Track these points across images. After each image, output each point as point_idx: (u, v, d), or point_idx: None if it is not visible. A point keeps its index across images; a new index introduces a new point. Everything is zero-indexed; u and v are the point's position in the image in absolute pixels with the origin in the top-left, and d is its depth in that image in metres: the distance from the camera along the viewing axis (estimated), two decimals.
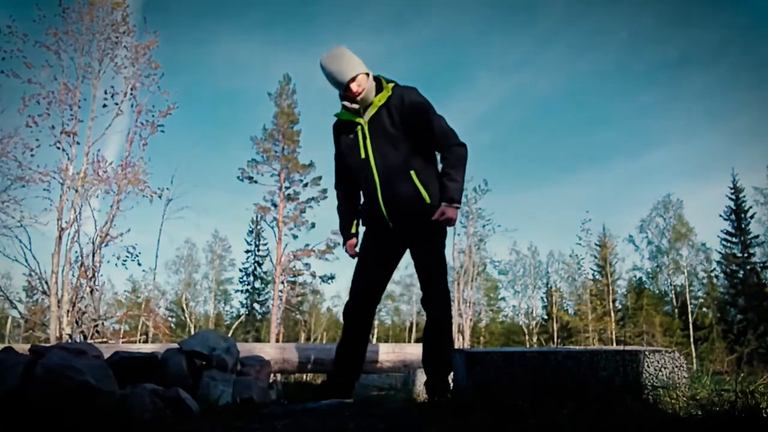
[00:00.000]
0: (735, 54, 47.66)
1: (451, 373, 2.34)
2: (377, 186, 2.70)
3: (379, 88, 2.74)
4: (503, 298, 43.13)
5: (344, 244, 2.98)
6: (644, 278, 37.39)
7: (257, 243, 36.77)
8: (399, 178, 2.66)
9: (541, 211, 57.64)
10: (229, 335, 3.46)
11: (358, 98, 2.68)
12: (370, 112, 2.72)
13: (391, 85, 2.74)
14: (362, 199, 2.92)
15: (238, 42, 51.54)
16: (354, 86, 2.66)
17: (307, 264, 26.35)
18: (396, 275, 42.12)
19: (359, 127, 2.74)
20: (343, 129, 2.83)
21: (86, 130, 10.26)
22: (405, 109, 2.67)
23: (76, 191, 9.86)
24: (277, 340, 26.28)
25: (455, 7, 50.96)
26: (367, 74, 2.70)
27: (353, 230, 2.97)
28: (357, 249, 2.92)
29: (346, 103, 2.74)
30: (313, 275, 26.47)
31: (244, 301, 36.86)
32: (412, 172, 2.66)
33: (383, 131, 2.68)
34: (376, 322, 39.96)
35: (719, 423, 1.37)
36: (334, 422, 1.68)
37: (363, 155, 2.72)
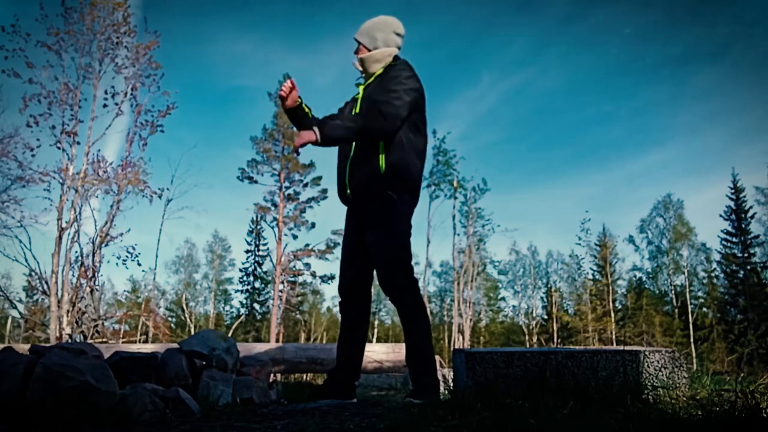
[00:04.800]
0: (738, 52, 47.63)
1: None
2: (351, 151, 2.73)
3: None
4: (503, 298, 43.22)
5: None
6: (644, 278, 37.43)
7: (257, 243, 36.77)
8: (370, 144, 2.66)
9: (541, 211, 57.70)
10: (229, 335, 3.45)
11: (358, 64, 2.84)
12: (369, 81, 2.84)
13: (392, 61, 2.82)
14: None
15: (238, 41, 51.64)
16: (356, 48, 2.85)
17: (307, 264, 26.38)
18: None
19: (359, 92, 2.86)
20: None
21: (86, 130, 10.28)
22: (385, 79, 2.71)
23: (76, 191, 9.86)
24: (277, 340, 26.28)
25: (456, 4, 50.95)
26: (372, 49, 2.81)
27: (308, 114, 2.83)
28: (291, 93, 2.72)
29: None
30: (313, 275, 26.48)
31: (244, 301, 36.89)
32: (382, 141, 2.64)
33: (369, 99, 2.74)
34: (375, 322, 39.97)
35: (719, 423, 1.36)
36: (334, 422, 1.68)
37: None
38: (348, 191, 2.73)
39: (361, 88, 2.86)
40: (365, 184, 2.65)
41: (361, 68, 2.85)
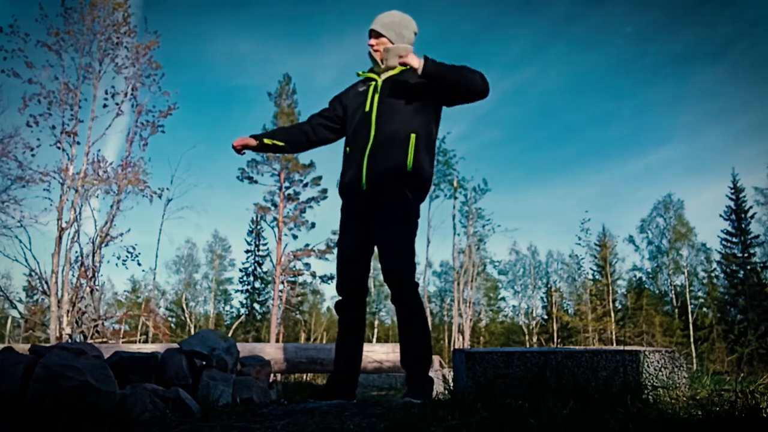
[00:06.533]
0: (738, 51, 47.60)
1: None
2: (369, 141, 2.60)
3: None
4: (503, 298, 43.22)
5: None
6: (644, 278, 37.42)
7: (257, 243, 36.77)
8: (396, 138, 2.56)
9: (541, 211, 57.69)
10: (229, 335, 3.45)
11: (376, 58, 2.73)
12: (390, 73, 2.73)
13: None
14: (342, 166, 2.79)
15: (238, 41, 51.64)
16: (373, 41, 2.74)
17: (307, 264, 26.37)
18: None
19: (373, 82, 2.75)
20: (358, 83, 2.86)
21: (86, 130, 10.28)
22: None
23: (76, 191, 9.86)
24: (277, 340, 26.28)
25: (456, 4, 50.93)
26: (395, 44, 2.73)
27: (264, 137, 2.93)
28: (240, 144, 2.95)
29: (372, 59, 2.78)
30: (313, 275, 26.49)
31: (244, 301, 36.88)
32: (413, 135, 2.56)
33: (396, 92, 2.65)
34: (375, 322, 39.96)
35: (719, 423, 1.36)
36: (334, 422, 1.68)
37: (368, 108, 2.67)
38: (363, 182, 2.58)
39: (379, 79, 2.74)
40: (387, 178, 2.54)
41: (380, 58, 2.73)
